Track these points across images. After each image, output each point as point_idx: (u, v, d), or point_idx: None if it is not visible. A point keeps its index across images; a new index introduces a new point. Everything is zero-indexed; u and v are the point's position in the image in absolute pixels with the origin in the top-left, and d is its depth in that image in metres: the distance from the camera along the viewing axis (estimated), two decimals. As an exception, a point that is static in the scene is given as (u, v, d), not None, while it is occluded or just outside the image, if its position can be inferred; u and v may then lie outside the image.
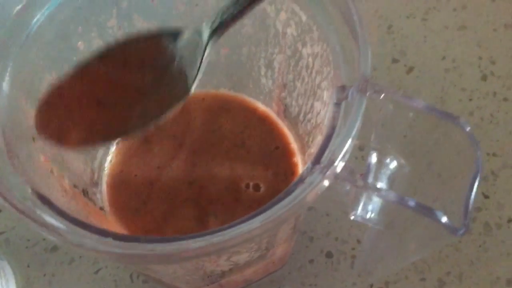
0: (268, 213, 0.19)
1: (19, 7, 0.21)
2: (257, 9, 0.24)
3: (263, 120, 0.31)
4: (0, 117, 0.19)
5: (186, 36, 0.22)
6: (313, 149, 0.25)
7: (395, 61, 0.42)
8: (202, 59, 0.21)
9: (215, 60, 0.29)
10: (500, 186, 0.36)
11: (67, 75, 0.21)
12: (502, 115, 0.39)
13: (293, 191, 0.19)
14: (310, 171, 0.19)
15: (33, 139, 0.21)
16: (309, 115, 0.25)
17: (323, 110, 0.22)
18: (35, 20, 0.21)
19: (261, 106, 0.31)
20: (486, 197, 0.36)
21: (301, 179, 0.19)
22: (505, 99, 0.40)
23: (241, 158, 0.30)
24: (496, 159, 0.37)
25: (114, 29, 0.25)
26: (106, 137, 0.22)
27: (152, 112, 0.22)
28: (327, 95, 0.22)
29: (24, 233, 0.36)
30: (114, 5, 0.24)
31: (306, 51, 0.23)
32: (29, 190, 0.17)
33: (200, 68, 0.21)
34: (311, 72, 0.24)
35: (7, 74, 0.20)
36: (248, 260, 0.26)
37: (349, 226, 0.34)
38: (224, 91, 0.31)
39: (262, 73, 0.28)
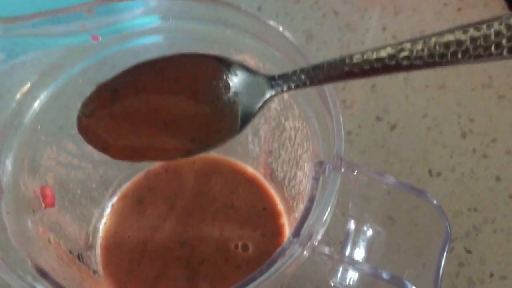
0: (252, 285, 0.20)
1: (24, 89, 0.23)
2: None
3: (251, 182, 0.33)
4: (4, 195, 0.20)
5: (243, 74, 0.21)
6: (297, 214, 0.26)
7: (378, 119, 0.44)
8: (259, 108, 0.21)
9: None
10: (481, 241, 0.38)
11: (116, 81, 0.21)
12: (481, 171, 0.41)
13: (274, 263, 0.20)
14: (290, 242, 0.20)
15: (33, 211, 0.22)
16: (293, 182, 0.27)
17: (304, 180, 0.24)
18: (38, 101, 0.23)
19: (249, 169, 0.33)
20: (469, 252, 0.37)
21: (282, 251, 0.20)
22: (484, 156, 0.42)
23: (230, 219, 0.32)
24: (477, 214, 0.39)
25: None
26: (145, 156, 0.22)
27: (198, 140, 0.22)
28: (308, 167, 0.23)
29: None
30: (111, 82, 0.26)
31: (288, 124, 0.25)
32: (29, 264, 0.19)
33: (255, 116, 0.21)
34: (293, 144, 0.25)
35: (12, 152, 0.22)
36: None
37: None
38: (214, 154, 0.33)
39: (250, 139, 0.30)
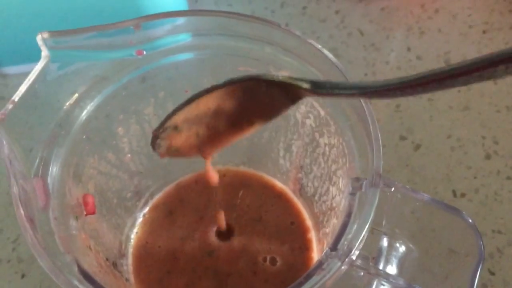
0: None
1: (72, 99, 0.24)
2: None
3: (280, 197, 0.33)
4: (51, 200, 0.21)
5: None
6: (328, 229, 0.27)
7: (402, 138, 0.45)
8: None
9: (237, 141, 0.31)
10: (505, 263, 0.38)
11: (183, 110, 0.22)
12: (505, 193, 0.41)
13: (312, 275, 0.21)
14: (328, 256, 0.21)
15: (76, 218, 0.23)
16: (324, 197, 0.28)
17: (338, 196, 0.25)
18: (85, 111, 0.24)
19: (278, 184, 0.33)
20: (492, 273, 0.38)
21: (320, 264, 0.21)
22: (508, 178, 0.42)
23: (258, 232, 0.32)
24: (501, 236, 0.39)
25: (150, 116, 0.28)
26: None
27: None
28: (342, 183, 0.24)
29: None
30: (152, 95, 0.27)
31: (323, 140, 0.26)
32: (76, 268, 0.19)
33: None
34: (327, 160, 0.26)
35: (59, 160, 0.23)
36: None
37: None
38: (244, 168, 0.34)
39: (281, 155, 0.31)
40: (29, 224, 0.19)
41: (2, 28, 0.43)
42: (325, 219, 0.28)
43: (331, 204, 0.26)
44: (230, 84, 0.22)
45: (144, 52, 0.25)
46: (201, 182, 0.34)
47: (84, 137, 0.24)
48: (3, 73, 0.47)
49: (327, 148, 0.26)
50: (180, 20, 0.25)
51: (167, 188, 0.33)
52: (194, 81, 0.27)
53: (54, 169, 0.23)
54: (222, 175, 0.34)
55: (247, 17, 0.24)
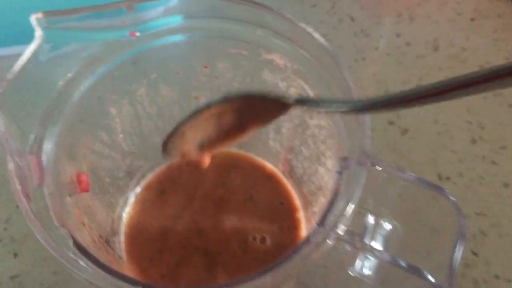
0: (277, 269, 0.21)
1: (65, 79, 0.24)
2: (271, 83, 0.27)
3: (270, 178, 0.34)
4: (46, 177, 0.22)
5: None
6: (316, 208, 0.28)
7: (391, 123, 0.45)
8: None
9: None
10: (488, 245, 0.39)
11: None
12: (490, 177, 0.42)
13: (300, 249, 0.21)
14: (315, 231, 0.21)
15: (70, 195, 0.24)
16: (313, 178, 0.28)
17: (326, 176, 0.25)
18: (77, 91, 0.24)
19: (268, 165, 0.34)
20: (475, 254, 0.39)
21: (308, 239, 0.22)
22: (493, 162, 0.43)
23: (248, 212, 0.33)
24: (484, 219, 0.40)
25: (142, 96, 0.28)
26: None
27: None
28: (331, 163, 0.25)
29: (37, 277, 0.38)
30: (144, 76, 0.27)
31: (312, 122, 0.26)
32: (71, 242, 0.20)
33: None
34: (316, 141, 0.27)
35: (53, 139, 0.23)
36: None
37: (346, 279, 0.37)
38: (234, 150, 0.34)
39: (271, 136, 0.32)
40: (25, 198, 0.19)
41: (-7, 9, 0.43)
42: (314, 198, 0.28)
43: (320, 183, 0.27)
44: (227, 100, 0.23)
45: (137, 34, 0.25)
46: (192, 163, 0.34)
47: (77, 116, 0.25)
48: (-6, 55, 0.47)
49: (316, 130, 0.26)
50: (173, 2, 0.25)
51: (159, 169, 0.34)
52: (186, 62, 0.27)
53: (48, 147, 0.23)
54: (213, 157, 0.35)
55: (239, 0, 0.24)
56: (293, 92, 0.27)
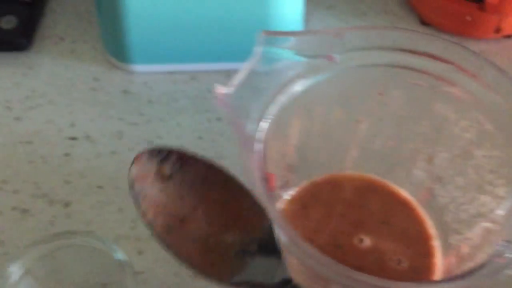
0: (468, 278, 0.23)
1: (274, 89, 0.27)
2: (437, 114, 0.30)
3: (404, 205, 0.36)
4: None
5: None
6: (471, 235, 0.30)
7: None
8: None
9: (377, 148, 0.35)
10: None
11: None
12: None
13: (491, 262, 0.24)
14: (505, 247, 0.24)
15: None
16: (466, 206, 0.31)
17: (493, 202, 0.28)
18: (279, 102, 0.27)
19: (403, 192, 0.36)
20: None
21: (498, 254, 0.24)
22: None
23: (385, 234, 0.35)
24: None
25: (318, 114, 0.31)
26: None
27: None
28: (504, 190, 0.27)
29: (160, 276, 0.40)
30: (328, 95, 0.30)
31: (480, 153, 0.29)
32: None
33: None
34: (479, 171, 0.29)
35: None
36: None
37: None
38: (371, 175, 0.37)
39: (418, 166, 0.34)
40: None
41: (138, 26, 0.47)
42: (463, 226, 0.31)
43: (478, 211, 0.29)
44: None
45: (336, 58, 0.29)
46: (332, 182, 0.37)
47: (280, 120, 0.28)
48: (131, 70, 0.51)
49: (484, 160, 0.29)
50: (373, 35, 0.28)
51: (303, 183, 0.36)
52: (365, 87, 0.30)
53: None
54: (352, 179, 0.37)
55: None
56: (464, 125, 0.30)
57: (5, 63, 0.51)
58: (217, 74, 0.52)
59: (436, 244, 0.34)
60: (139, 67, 0.51)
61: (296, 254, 0.22)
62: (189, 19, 0.48)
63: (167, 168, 0.27)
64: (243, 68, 0.26)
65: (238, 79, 0.26)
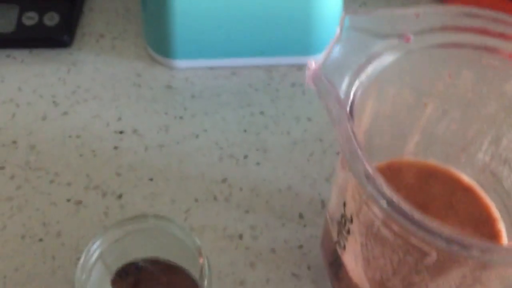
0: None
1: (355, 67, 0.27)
2: (507, 94, 0.30)
3: (467, 190, 0.36)
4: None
5: None
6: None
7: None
8: None
9: (439, 133, 0.35)
10: None
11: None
12: None
13: None
14: None
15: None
16: (537, 186, 0.31)
17: None
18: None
19: (465, 178, 0.36)
20: None
21: None
22: None
23: (450, 219, 0.35)
24: None
25: (389, 95, 0.31)
26: None
27: None
28: None
29: (215, 267, 0.40)
30: (399, 77, 0.31)
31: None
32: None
33: None
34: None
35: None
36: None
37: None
38: (432, 161, 0.37)
39: (483, 148, 0.34)
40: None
41: (183, 21, 0.48)
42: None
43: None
44: None
45: (411, 38, 0.29)
46: (393, 168, 0.37)
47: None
48: (173, 65, 0.51)
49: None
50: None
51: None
52: (437, 68, 0.30)
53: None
54: (411, 165, 0.38)
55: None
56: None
57: (49, 59, 0.51)
58: (257, 70, 0.52)
59: (502, 226, 0.34)
60: (181, 62, 0.51)
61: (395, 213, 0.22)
62: (232, 14, 0.48)
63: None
64: (327, 48, 0.26)
65: (323, 57, 0.26)
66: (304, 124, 0.49)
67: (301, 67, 0.53)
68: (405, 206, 0.23)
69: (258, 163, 0.46)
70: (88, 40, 0.53)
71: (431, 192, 0.36)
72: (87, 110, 0.48)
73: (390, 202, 0.23)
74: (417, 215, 0.23)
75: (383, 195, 0.23)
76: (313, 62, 0.25)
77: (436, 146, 0.36)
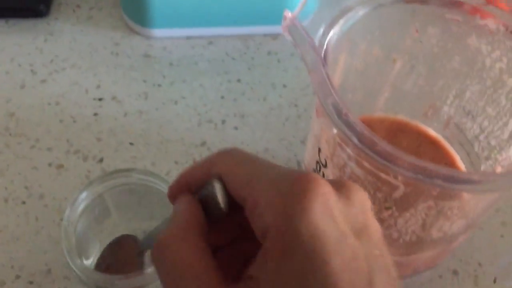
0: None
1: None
2: (470, 47, 0.32)
3: (433, 143, 0.39)
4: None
5: None
6: (504, 156, 0.32)
7: None
8: None
9: (408, 88, 0.37)
10: None
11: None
12: None
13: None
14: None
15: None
16: (497, 132, 0.33)
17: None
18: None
19: (432, 132, 0.39)
20: None
21: None
22: None
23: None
24: None
25: (361, 52, 0.33)
26: None
27: None
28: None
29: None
30: (370, 33, 0.32)
31: (508, 88, 0.32)
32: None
33: None
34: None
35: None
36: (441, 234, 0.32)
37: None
38: (401, 116, 0.39)
39: (448, 102, 0.36)
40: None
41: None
42: (495, 151, 0.33)
43: (509, 140, 0.32)
44: None
45: None
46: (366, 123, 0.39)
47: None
48: (150, 35, 0.52)
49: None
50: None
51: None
52: (403, 25, 0.32)
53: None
54: (381, 121, 0.40)
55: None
56: (496, 56, 0.32)
57: (25, 29, 0.51)
58: (234, 39, 0.53)
59: (466, 174, 0.37)
60: (158, 32, 0.52)
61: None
62: (208, -17, 0.49)
63: None
64: (301, 2, 0.28)
65: (298, 8, 0.27)
66: (280, 90, 0.50)
67: (276, 36, 0.55)
68: (375, 137, 0.25)
69: (235, 128, 0.47)
70: (64, 10, 0.54)
71: (400, 146, 0.38)
72: (66, 78, 0.49)
73: (360, 137, 0.25)
74: (386, 146, 0.24)
75: (354, 131, 0.25)
76: (289, 13, 0.26)
77: (405, 102, 0.38)
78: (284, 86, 0.50)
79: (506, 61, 0.32)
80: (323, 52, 0.27)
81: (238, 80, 0.51)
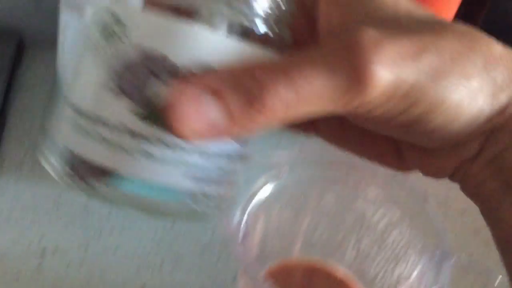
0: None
1: None
2: (359, 208, 0.41)
3: (342, 281, 0.46)
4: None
5: None
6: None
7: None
8: None
9: (318, 237, 0.45)
10: None
11: None
12: None
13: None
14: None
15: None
16: (388, 274, 0.41)
17: (408, 269, 0.38)
18: None
19: (341, 271, 0.46)
20: None
21: None
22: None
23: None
24: None
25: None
26: None
27: None
28: (415, 258, 0.38)
29: None
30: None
31: (395, 232, 0.40)
32: None
33: None
34: (396, 246, 0.40)
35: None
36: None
37: None
38: (316, 258, 0.46)
39: (350, 247, 0.44)
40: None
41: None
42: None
43: (399, 276, 0.40)
44: None
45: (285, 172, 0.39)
46: (283, 270, 0.45)
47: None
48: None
49: (398, 237, 0.40)
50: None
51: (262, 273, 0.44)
52: (318, 191, 0.40)
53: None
54: (297, 265, 0.46)
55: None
56: (380, 214, 0.41)
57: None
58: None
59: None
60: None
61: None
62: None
63: None
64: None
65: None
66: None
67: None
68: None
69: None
70: (8, 167, 0.58)
71: (314, 286, 0.45)
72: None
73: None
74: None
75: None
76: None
77: (317, 247, 0.46)
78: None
79: (387, 219, 0.40)
80: (242, 233, 0.34)
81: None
